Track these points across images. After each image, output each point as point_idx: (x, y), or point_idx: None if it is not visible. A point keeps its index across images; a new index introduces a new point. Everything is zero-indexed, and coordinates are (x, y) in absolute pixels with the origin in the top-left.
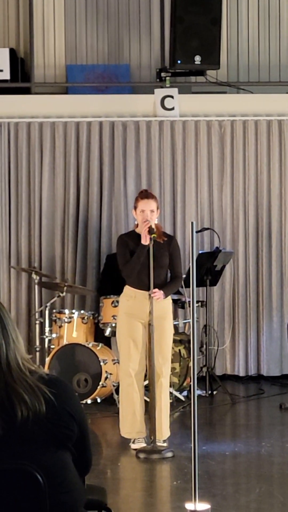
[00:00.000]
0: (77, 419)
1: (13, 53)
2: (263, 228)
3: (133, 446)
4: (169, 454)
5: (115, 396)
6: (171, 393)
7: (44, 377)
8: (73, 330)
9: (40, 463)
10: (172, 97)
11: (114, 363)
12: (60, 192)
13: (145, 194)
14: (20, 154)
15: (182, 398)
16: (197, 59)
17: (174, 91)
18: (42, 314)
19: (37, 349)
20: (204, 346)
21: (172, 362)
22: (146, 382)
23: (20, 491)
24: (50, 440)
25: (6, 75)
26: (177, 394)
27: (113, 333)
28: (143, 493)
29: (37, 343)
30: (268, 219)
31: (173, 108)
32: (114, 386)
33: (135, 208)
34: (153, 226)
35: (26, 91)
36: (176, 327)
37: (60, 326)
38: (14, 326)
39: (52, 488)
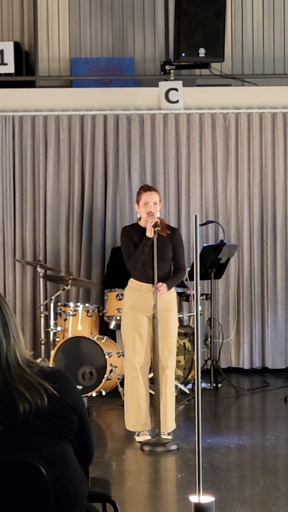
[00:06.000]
0: (77, 410)
1: (17, 46)
2: (268, 221)
3: (138, 438)
4: (174, 447)
5: (120, 389)
6: (176, 386)
7: (44, 369)
8: (78, 323)
9: (42, 455)
10: (176, 90)
11: (119, 356)
12: (64, 185)
13: (147, 187)
14: (24, 147)
15: (187, 391)
16: (202, 51)
17: (178, 84)
18: (47, 307)
19: (42, 342)
20: (209, 339)
21: (177, 355)
22: (151, 375)
23: (23, 484)
24: (51, 432)
25: (10, 68)
26: (181, 387)
27: (118, 326)
28: (148, 486)
29: (42, 336)
30: (272, 211)
31: (177, 101)
32: (119, 379)
33: (138, 201)
34: (157, 221)
35: (31, 84)
36: (180, 320)
37: (65, 319)
38: (16, 323)
39: (54, 480)
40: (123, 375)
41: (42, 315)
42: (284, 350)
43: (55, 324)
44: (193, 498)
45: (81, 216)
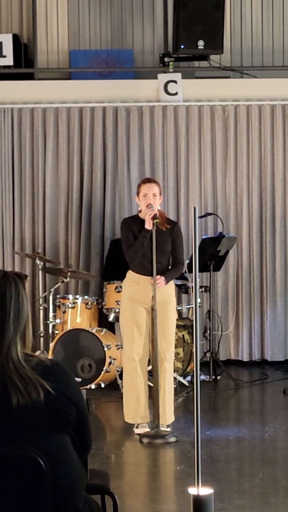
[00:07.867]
0: (75, 402)
1: (16, 38)
2: (267, 213)
3: (136, 431)
4: (173, 439)
5: (119, 381)
6: (175, 378)
7: (43, 362)
8: (77, 315)
9: (40, 447)
10: (175, 82)
11: (118, 348)
12: (63, 177)
13: (147, 179)
14: (23, 139)
15: (186, 383)
16: (201, 44)
17: (177, 76)
18: (46, 300)
19: (41, 334)
20: (208, 331)
21: (176, 347)
22: (150, 367)
23: (22, 476)
24: (49, 424)
25: (9, 61)
26: (180, 379)
27: (117, 318)
28: (147, 478)
29: (41, 328)
30: (271, 204)
31: (176, 93)
32: (118, 371)
33: (138, 193)
34: (157, 213)
35: (30, 76)
36: (179, 313)
37: (64, 312)
38: (29, 319)
39: (52, 472)
40: (122, 367)
41: (41, 307)
42: (283, 342)
43: (54, 317)
44: (192, 490)
45: (80, 208)
